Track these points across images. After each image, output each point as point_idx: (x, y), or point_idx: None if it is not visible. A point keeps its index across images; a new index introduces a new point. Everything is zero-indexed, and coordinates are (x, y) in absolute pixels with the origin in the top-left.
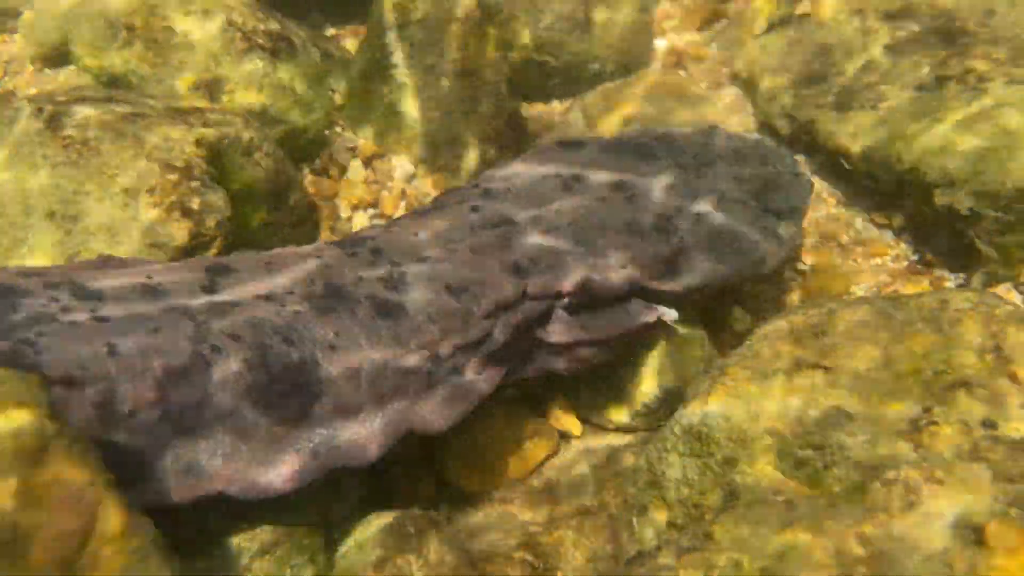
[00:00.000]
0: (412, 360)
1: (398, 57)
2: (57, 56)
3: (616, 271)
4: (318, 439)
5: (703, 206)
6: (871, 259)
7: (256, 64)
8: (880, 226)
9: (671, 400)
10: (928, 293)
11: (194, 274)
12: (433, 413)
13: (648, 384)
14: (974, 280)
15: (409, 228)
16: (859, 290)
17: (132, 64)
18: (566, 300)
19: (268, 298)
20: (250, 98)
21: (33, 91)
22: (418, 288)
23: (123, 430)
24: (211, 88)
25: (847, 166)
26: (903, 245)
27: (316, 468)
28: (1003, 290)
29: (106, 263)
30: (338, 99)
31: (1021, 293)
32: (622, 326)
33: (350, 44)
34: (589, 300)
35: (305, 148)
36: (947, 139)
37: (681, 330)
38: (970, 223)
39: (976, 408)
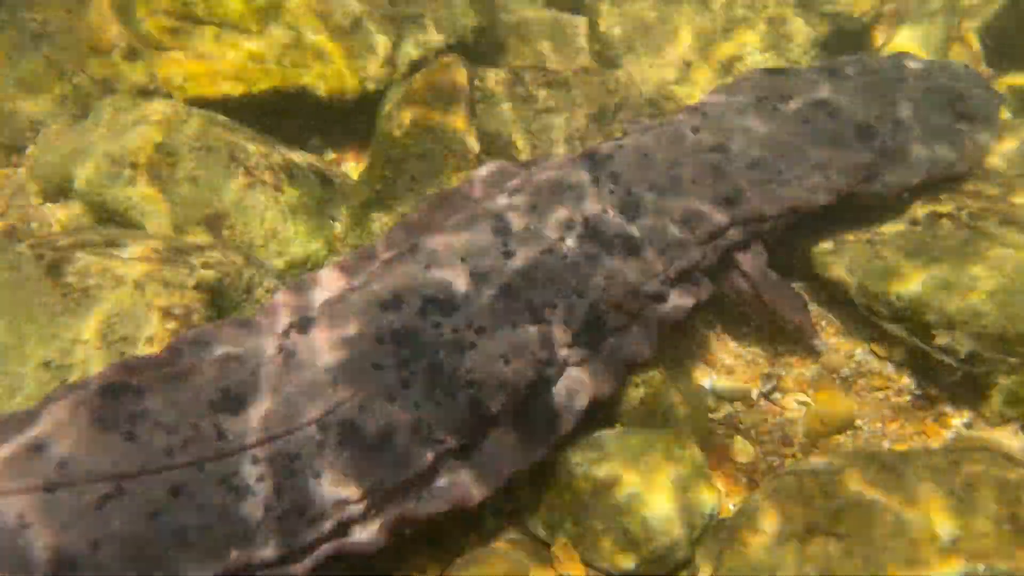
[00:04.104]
0: (651, 287)
1: (400, 188)
2: (59, 191)
3: (820, 194)
4: (609, 350)
5: (900, 113)
6: (872, 392)
7: (258, 198)
8: (880, 358)
9: (678, 547)
10: (937, 451)
11: (488, 238)
12: (671, 311)
13: (655, 529)
14: (976, 422)
15: (637, 149)
16: (863, 424)
17: (134, 201)
18: (769, 225)
19: (551, 251)
20: (251, 232)
21: (34, 225)
22: (649, 217)
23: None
24: (212, 224)
25: (843, 298)
26: (905, 379)
27: (618, 370)
28: (1009, 432)
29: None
30: (338, 227)
31: None
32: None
33: (351, 166)
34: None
35: None
36: (944, 280)
37: (685, 471)
38: (971, 364)
39: None
